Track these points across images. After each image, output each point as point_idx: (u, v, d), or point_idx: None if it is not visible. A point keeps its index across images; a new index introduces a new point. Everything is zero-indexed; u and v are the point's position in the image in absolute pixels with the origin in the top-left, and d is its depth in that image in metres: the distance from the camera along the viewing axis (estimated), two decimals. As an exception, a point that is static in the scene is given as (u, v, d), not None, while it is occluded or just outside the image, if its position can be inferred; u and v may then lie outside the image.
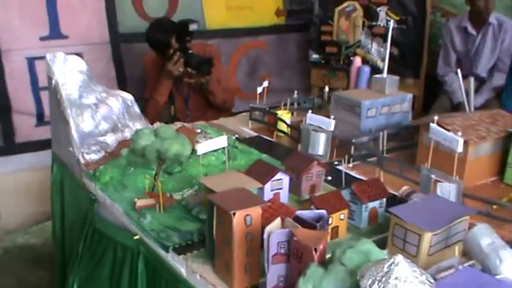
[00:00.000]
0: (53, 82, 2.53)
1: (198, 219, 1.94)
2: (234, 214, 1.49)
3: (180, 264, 1.77)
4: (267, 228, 1.43)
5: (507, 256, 1.53)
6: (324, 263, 1.34)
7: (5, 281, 3.69)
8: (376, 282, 1.15)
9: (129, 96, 2.68)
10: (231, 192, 1.62)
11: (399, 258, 1.18)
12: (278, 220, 1.48)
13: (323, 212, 1.57)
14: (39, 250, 4.06)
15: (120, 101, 2.61)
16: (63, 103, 2.48)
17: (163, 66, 3.81)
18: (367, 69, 3.09)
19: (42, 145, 3.81)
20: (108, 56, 4.43)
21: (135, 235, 2.00)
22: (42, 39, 4.13)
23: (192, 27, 3.88)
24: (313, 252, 1.31)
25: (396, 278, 1.15)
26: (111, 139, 2.50)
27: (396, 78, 2.87)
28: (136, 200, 2.05)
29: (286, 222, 1.47)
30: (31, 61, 4.12)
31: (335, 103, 2.79)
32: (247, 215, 1.51)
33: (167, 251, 1.82)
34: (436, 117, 2.16)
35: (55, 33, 4.18)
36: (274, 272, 1.45)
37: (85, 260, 2.32)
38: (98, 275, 2.23)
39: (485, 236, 1.59)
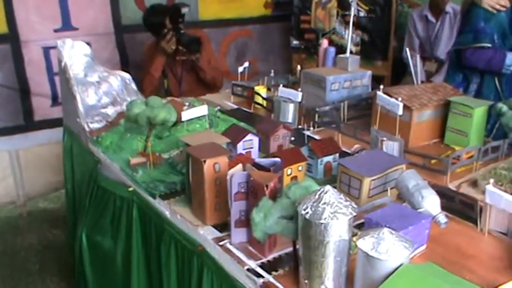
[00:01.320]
0: (63, 64, 2.68)
1: (181, 173, 2.10)
2: (204, 162, 1.65)
3: (164, 208, 1.94)
4: (230, 171, 1.59)
5: (428, 194, 1.68)
6: (275, 199, 1.50)
7: (30, 238, 3.91)
8: (309, 207, 1.31)
9: (127, 75, 2.84)
10: (203, 146, 1.78)
11: (328, 187, 1.33)
12: (239, 165, 1.64)
13: (277, 159, 1.73)
14: (56, 213, 4.23)
15: (119, 79, 2.76)
16: (71, 81, 2.63)
17: (158, 45, 3.90)
18: (332, 49, 3.22)
19: (57, 122, 3.88)
20: (113, 45, 4.55)
21: (130, 187, 2.16)
22: (55, 31, 4.25)
23: (184, 10, 3.92)
24: (265, 188, 1.47)
25: (325, 203, 1.30)
26: (111, 111, 2.66)
27: (357, 57, 3.00)
28: (130, 158, 2.22)
29: (246, 167, 1.64)
30: (46, 50, 4.25)
31: (304, 79, 2.94)
32: (216, 163, 1.68)
33: (154, 198, 1.99)
34: (381, 87, 2.31)
35: (67, 25, 4.30)
36: (236, 207, 1.61)
37: (91, 212, 2.48)
38: (101, 224, 2.40)
39: (411, 179, 1.74)
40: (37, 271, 3.50)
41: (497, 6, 2.87)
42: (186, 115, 2.24)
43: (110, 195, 2.33)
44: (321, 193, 1.32)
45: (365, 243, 1.29)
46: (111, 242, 2.34)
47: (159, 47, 3.88)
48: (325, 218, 1.28)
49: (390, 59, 4.95)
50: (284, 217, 1.42)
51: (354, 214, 1.31)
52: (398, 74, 4.84)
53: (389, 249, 1.26)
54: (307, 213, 1.30)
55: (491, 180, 1.70)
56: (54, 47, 3.76)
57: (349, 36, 3.06)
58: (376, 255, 1.26)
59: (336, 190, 1.34)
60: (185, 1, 4.14)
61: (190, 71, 4.07)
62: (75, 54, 2.71)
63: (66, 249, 3.46)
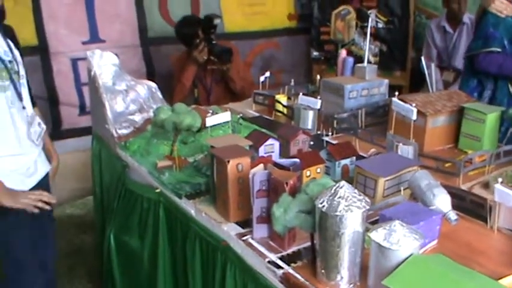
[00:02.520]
0: (92, 73, 2.83)
1: (206, 175, 2.22)
2: (228, 162, 1.78)
3: (190, 207, 2.07)
4: (252, 170, 1.71)
5: (439, 192, 1.78)
6: (294, 195, 1.61)
7: (57, 243, 3.99)
8: (325, 201, 1.42)
9: (153, 84, 2.98)
10: (227, 148, 1.91)
11: (343, 182, 1.44)
12: (261, 165, 1.76)
13: (296, 160, 1.85)
14: (83, 219, 4.36)
15: (146, 87, 2.91)
16: (100, 89, 2.77)
17: (190, 55, 3.99)
18: (350, 59, 3.34)
19: (84, 131, 4.06)
20: (139, 56, 4.70)
21: (157, 189, 2.29)
22: (83, 43, 4.41)
23: (216, 21, 4.00)
24: (285, 185, 1.58)
25: (340, 197, 1.41)
26: (138, 118, 2.81)
27: (374, 66, 3.11)
28: (157, 162, 2.35)
29: (267, 167, 1.75)
30: (74, 61, 4.40)
31: (323, 87, 3.05)
32: (239, 163, 1.80)
33: (180, 198, 2.12)
34: (397, 93, 2.42)
35: (94, 38, 4.46)
36: (258, 204, 1.72)
37: (119, 214, 2.61)
38: (129, 225, 2.52)
39: (423, 179, 1.84)
40: (65, 273, 3.63)
41: (505, 12, 2.95)
42: (210, 121, 2.36)
43: (137, 197, 2.45)
44: (336, 188, 1.44)
45: (377, 234, 1.39)
46: (138, 242, 2.46)
47: (191, 56, 3.98)
48: (340, 211, 1.39)
49: (408, 69, 5.04)
50: (302, 211, 1.53)
51: (367, 207, 1.42)
52: (417, 84, 4.91)
53: (400, 240, 1.36)
54: (324, 206, 1.41)
55: (500, 179, 1.79)
56: (82, 59, 3.95)
57: (367, 47, 3.17)
58: (388, 246, 1.36)
59: (350, 185, 1.45)
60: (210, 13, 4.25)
61: (220, 81, 4.16)
62: (104, 64, 2.86)
63: (93, 253, 3.60)
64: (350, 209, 1.39)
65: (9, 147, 2.22)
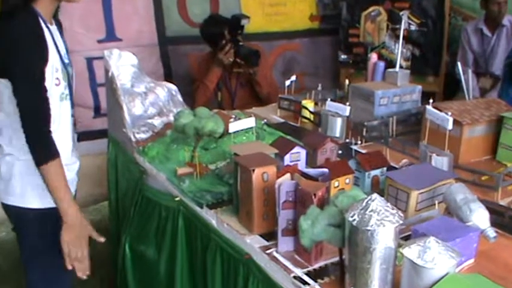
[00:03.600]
0: (110, 74, 2.87)
1: (228, 184, 2.24)
2: (253, 171, 1.80)
3: (211, 217, 2.09)
4: (278, 180, 1.73)
5: (476, 207, 1.77)
6: (323, 207, 1.62)
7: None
8: (356, 214, 1.43)
9: (173, 87, 3.02)
10: (252, 155, 1.93)
11: (375, 195, 1.46)
12: (288, 175, 1.77)
13: (325, 170, 1.86)
14: (97, 226, 4.30)
15: (166, 90, 2.94)
16: (118, 91, 2.81)
17: (215, 56, 4.00)
18: (381, 64, 3.34)
19: (99, 134, 4.05)
20: (157, 56, 4.74)
21: (176, 197, 2.32)
22: (99, 41, 4.45)
23: (244, 21, 4.00)
24: (313, 197, 1.60)
25: (372, 211, 1.42)
26: (157, 121, 2.84)
27: (407, 71, 3.11)
28: (177, 168, 2.38)
29: (294, 177, 1.77)
30: (90, 61, 4.44)
31: (352, 93, 3.06)
32: (264, 172, 1.82)
33: (201, 207, 2.14)
34: (431, 101, 2.42)
35: (111, 36, 4.50)
36: (284, 216, 1.74)
37: (135, 222, 2.64)
38: (145, 233, 2.55)
39: (459, 193, 1.83)
40: (78, 282, 3.67)
41: None
42: (233, 127, 2.37)
43: (155, 205, 2.48)
44: (368, 201, 1.45)
45: (411, 251, 1.40)
46: (155, 252, 2.49)
47: (216, 58, 3.99)
48: (372, 225, 1.40)
49: (442, 74, 5.02)
50: (331, 225, 1.54)
51: (401, 222, 1.43)
52: (451, 91, 4.89)
53: (435, 257, 1.37)
54: (355, 220, 1.42)
55: None
56: (98, 58, 3.99)
57: (399, 51, 3.17)
58: (422, 263, 1.37)
59: (382, 198, 1.46)
60: (230, 14, 4.26)
61: (245, 85, 4.18)
62: (122, 65, 2.90)
63: (107, 262, 3.63)
64: (382, 224, 1.40)
65: (65, 158, 2.12)
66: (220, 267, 2.02)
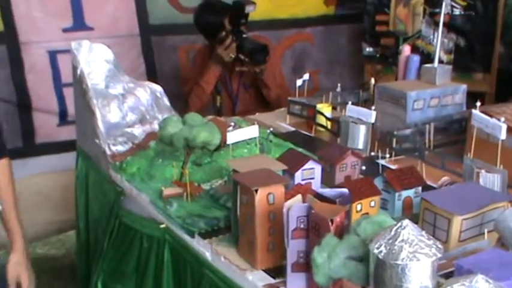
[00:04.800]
0: (78, 72, 2.91)
1: (226, 208, 2.27)
2: (256, 191, 1.82)
3: (204, 249, 2.12)
4: (287, 203, 1.75)
5: (537, 238, 1.79)
6: (342, 236, 1.64)
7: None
8: (384, 245, 1.45)
9: (158, 88, 3.05)
10: (255, 172, 1.95)
11: (406, 222, 1.47)
12: (299, 196, 1.80)
13: (344, 190, 1.88)
14: (60, 261, 4.41)
15: (149, 92, 2.98)
16: (89, 93, 2.85)
17: (212, 52, 4.02)
18: (416, 58, 3.36)
19: (65, 146, 4.12)
20: (138, 50, 4.76)
21: (161, 224, 2.34)
22: (65, 31, 4.46)
23: (249, 8, 4.01)
24: (329, 224, 1.62)
25: (402, 241, 1.44)
26: (138, 131, 2.88)
27: (448, 67, 3.15)
28: (163, 189, 2.41)
29: (307, 199, 1.79)
30: (53, 55, 4.45)
31: (379, 95, 3.08)
32: (270, 193, 1.84)
33: (193, 236, 2.17)
34: (478, 104, 2.44)
35: (79, 24, 4.51)
36: (294, 247, 1.76)
37: (110, 255, 2.66)
38: (123, 270, 2.58)
39: (516, 219, 1.85)
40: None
41: None
42: (232, 137, 2.40)
43: (135, 233, 2.51)
44: (397, 229, 1.47)
45: (453, 292, 1.42)
46: (135, 292, 2.52)
47: (215, 54, 4.01)
48: (403, 259, 1.41)
49: (494, 70, 5.01)
50: (352, 258, 1.56)
51: (439, 255, 1.45)
52: (506, 92, 4.90)
53: (484, 301, 1.39)
54: (381, 252, 1.44)
55: None
56: (64, 51, 4.02)
57: (439, 41, 3.20)
58: (468, 308, 1.39)
59: (416, 226, 1.48)
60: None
61: (250, 87, 4.22)
62: (94, 60, 2.93)
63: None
64: (416, 257, 1.41)
65: None
66: (216, 310, 2.05)
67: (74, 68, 2.94)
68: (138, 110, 2.91)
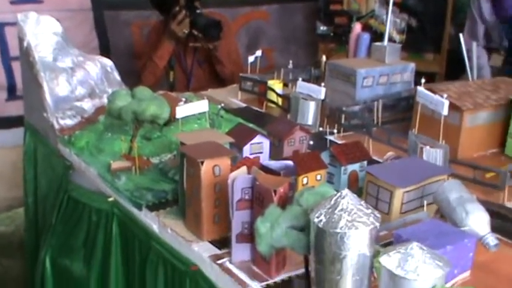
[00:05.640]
0: (25, 44, 2.89)
1: (174, 181, 2.29)
2: (202, 163, 1.85)
3: (152, 221, 2.14)
4: (232, 174, 1.78)
5: (474, 209, 1.83)
6: (285, 207, 1.68)
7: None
8: (323, 214, 1.49)
9: (108, 62, 3.05)
10: (202, 145, 1.98)
11: (346, 191, 1.51)
12: (244, 168, 1.83)
13: (289, 162, 1.92)
14: (8, 239, 4.37)
15: (99, 66, 2.98)
16: (36, 66, 2.83)
17: (166, 27, 4.05)
18: (366, 36, 3.41)
19: (15, 121, 4.09)
20: (90, 25, 4.74)
21: (110, 197, 2.36)
22: (12, 3, 4.44)
23: None
24: (273, 194, 1.65)
25: (341, 210, 1.48)
26: (88, 105, 2.88)
27: (397, 46, 3.20)
28: (111, 162, 2.42)
29: (251, 171, 1.83)
30: (1, 27, 4.43)
31: (330, 72, 3.13)
32: (216, 165, 1.87)
33: (140, 209, 2.20)
34: (423, 81, 2.50)
35: (27, -5, 4.45)
36: (239, 218, 1.79)
37: (58, 230, 2.67)
38: (72, 244, 2.58)
39: (454, 191, 1.89)
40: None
41: None
42: (181, 111, 2.42)
43: (83, 208, 2.52)
44: (337, 198, 1.50)
45: (389, 259, 1.46)
46: (83, 267, 2.52)
47: (168, 29, 4.04)
48: (342, 227, 1.45)
49: (445, 51, 5.10)
50: (294, 227, 1.60)
51: (377, 224, 1.49)
52: (456, 72, 4.95)
53: (418, 267, 1.43)
54: (321, 221, 1.48)
55: None
56: (11, 24, 3.95)
57: (389, 19, 3.25)
58: (402, 274, 1.43)
59: (355, 195, 1.53)
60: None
61: (204, 63, 4.24)
62: (41, 32, 2.91)
63: (22, 284, 3.64)
64: (354, 225, 1.45)
65: None
66: (163, 281, 2.08)
67: (21, 40, 2.92)
68: (87, 84, 2.91)
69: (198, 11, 4.03)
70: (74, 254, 2.58)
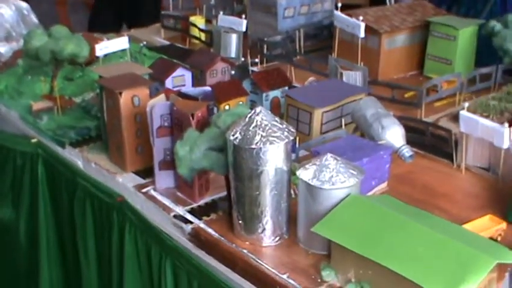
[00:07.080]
0: None
1: (97, 118, 2.30)
2: (120, 94, 1.86)
3: (76, 158, 2.16)
4: (150, 102, 1.81)
5: (389, 123, 1.90)
6: (203, 130, 1.71)
7: None
8: (239, 132, 1.52)
9: (23, 4, 3.02)
10: (120, 76, 1.99)
11: (260, 109, 1.55)
12: (162, 96, 1.86)
13: (207, 88, 1.96)
14: None
15: (13, 8, 2.94)
16: None
17: None
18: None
19: None
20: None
21: (33, 139, 2.36)
22: None
23: None
24: (190, 118, 1.69)
25: (256, 126, 1.51)
26: (4, 48, 2.84)
27: (317, -25, 3.22)
28: (32, 103, 2.41)
29: (170, 98, 1.85)
30: None
31: (252, 5, 3.14)
32: (135, 95, 1.89)
33: (64, 147, 2.21)
34: (339, 4, 2.54)
35: None
36: (160, 145, 1.82)
37: (-17, 177, 2.66)
38: (-2, 190, 2.59)
39: (370, 107, 1.95)
40: None
41: None
42: (101, 49, 2.42)
43: (7, 152, 2.50)
44: (251, 115, 1.54)
45: (306, 172, 1.52)
46: (11, 211, 2.51)
47: None
48: (257, 143, 1.49)
49: (370, -19, 5.13)
50: (213, 149, 1.64)
51: (291, 138, 1.54)
52: (379, 3, 5.01)
53: (333, 176, 1.49)
54: (236, 138, 1.52)
55: (466, 104, 1.90)
56: None
57: None
58: (318, 184, 1.48)
59: (269, 112, 1.57)
60: None
61: None
62: None
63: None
64: (269, 140, 1.50)
65: None
66: (91, 216, 2.10)
67: None
68: (2, 27, 2.88)
69: None
70: (1, 199, 2.56)
